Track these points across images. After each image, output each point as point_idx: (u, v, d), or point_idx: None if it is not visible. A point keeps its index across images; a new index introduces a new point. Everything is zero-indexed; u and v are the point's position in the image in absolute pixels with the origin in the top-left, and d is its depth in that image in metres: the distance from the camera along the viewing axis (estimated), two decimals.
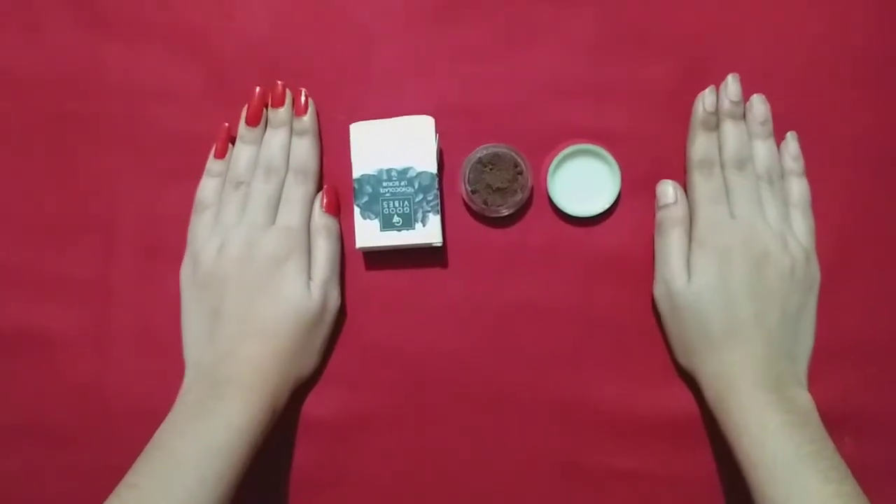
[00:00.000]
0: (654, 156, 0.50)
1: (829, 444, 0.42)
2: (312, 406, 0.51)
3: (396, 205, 0.47)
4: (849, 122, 0.50)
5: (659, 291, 0.48)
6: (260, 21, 0.51)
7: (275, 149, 0.49)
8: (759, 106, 0.49)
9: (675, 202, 0.48)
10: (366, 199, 0.47)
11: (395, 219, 0.47)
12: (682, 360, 0.49)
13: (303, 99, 0.49)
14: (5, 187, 0.52)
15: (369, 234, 0.47)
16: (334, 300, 0.49)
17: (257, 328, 0.46)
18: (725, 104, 0.48)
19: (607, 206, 0.50)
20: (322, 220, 0.49)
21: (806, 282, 0.47)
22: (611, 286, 0.50)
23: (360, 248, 0.48)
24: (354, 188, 0.47)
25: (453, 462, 0.51)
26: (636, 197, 0.50)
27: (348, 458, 0.51)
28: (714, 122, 0.48)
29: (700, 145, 0.48)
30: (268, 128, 0.50)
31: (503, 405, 0.51)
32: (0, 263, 0.52)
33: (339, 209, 0.50)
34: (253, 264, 0.47)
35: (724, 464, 0.50)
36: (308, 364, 0.49)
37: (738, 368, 0.44)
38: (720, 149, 0.48)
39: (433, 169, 0.47)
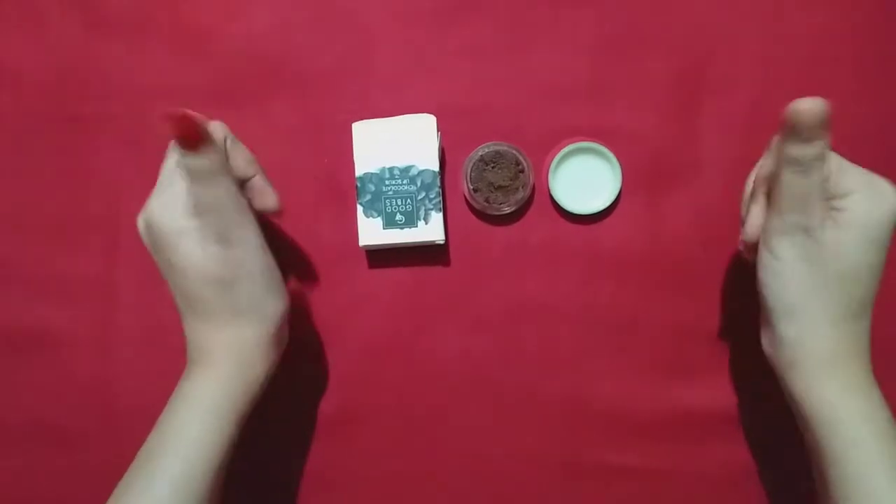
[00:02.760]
0: (655, 153, 0.51)
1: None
2: (314, 403, 0.51)
3: (399, 203, 0.47)
4: (849, 120, 0.50)
5: (790, 241, 0.40)
6: (263, 21, 0.52)
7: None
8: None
9: (822, 138, 0.38)
10: (368, 197, 0.48)
11: (398, 217, 0.47)
12: (784, 325, 0.41)
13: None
14: (9, 187, 0.52)
15: (372, 232, 0.48)
16: (247, 245, 0.41)
17: (186, 306, 0.43)
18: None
19: (608, 203, 0.50)
20: (184, 162, 0.39)
21: None
22: (612, 283, 0.51)
23: (364, 247, 0.48)
24: (357, 186, 0.48)
25: (455, 460, 0.51)
26: (637, 194, 0.51)
27: (350, 457, 0.51)
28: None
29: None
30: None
31: (505, 402, 0.51)
32: (5, 263, 0.52)
33: (196, 137, 0.38)
34: (155, 246, 0.42)
35: (727, 460, 0.50)
36: (263, 315, 0.43)
37: (862, 349, 0.40)
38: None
39: (435, 167, 0.47)
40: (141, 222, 0.42)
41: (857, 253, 0.39)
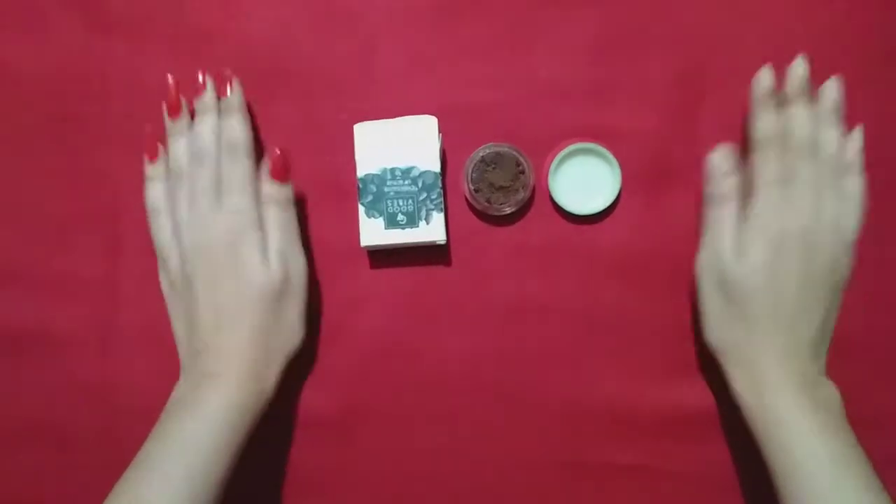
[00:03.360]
0: (655, 154, 0.51)
1: (860, 449, 0.42)
2: (315, 404, 0.51)
3: (400, 203, 0.48)
4: (849, 120, 0.51)
5: (705, 265, 0.46)
6: (263, 21, 0.52)
7: (204, 134, 0.47)
8: (832, 90, 0.46)
9: (731, 173, 0.46)
10: (370, 197, 0.48)
11: (400, 217, 0.48)
12: (713, 337, 0.46)
13: (226, 78, 0.48)
14: (10, 187, 0.52)
15: (374, 232, 0.48)
16: (298, 267, 0.48)
17: (227, 317, 0.46)
18: (795, 85, 0.46)
19: (608, 204, 0.50)
20: (270, 189, 0.47)
21: (843, 279, 0.46)
22: (612, 283, 0.51)
23: (365, 247, 0.48)
24: (359, 187, 0.48)
25: (457, 460, 0.51)
26: (637, 195, 0.51)
27: (350, 457, 0.51)
28: (777, 101, 0.46)
29: (764, 123, 0.46)
30: (196, 115, 0.48)
31: (506, 403, 0.51)
32: (5, 263, 0.52)
33: (288, 173, 0.48)
34: (208, 254, 0.46)
35: (728, 460, 0.50)
36: (291, 338, 0.48)
37: (771, 360, 0.44)
38: (789, 132, 0.46)
39: (436, 168, 0.48)
40: (218, 239, 0.46)
41: (756, 291, 0.44)
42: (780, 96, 0.47)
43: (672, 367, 0.51)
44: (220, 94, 0.48)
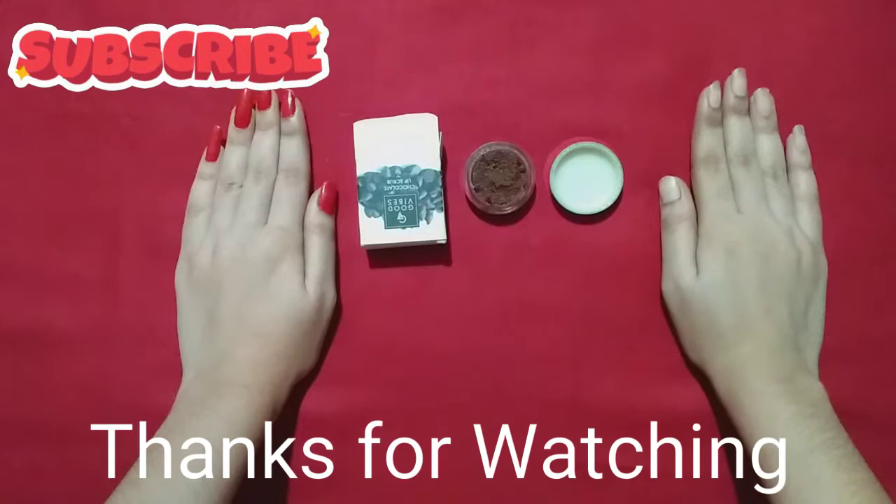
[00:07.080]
0: (656, 152, 0.51)
1: (842, 433, 0.42)
2: (314, 404, 0.51)
3: (400, 202, 0.47)
4: (850, 118, 0.51)
5: (667, 288, 0.48)
6: (263, 20, 0.52)
7: (264, 150, 0.49)
8: (763, 100, 0.49)
9: (679, 198, 0.48)
10: (370, 196, 0.47)
11: (400, 216, 0.47)
12: (692, 356, 0.49)
13: (290, 100, 0.49)
14: (9, 186, 0.52)
15: (373, 231, 0.48)
16: (331, 297, 0.49)
17: (254, 330, 0.46)
18: (731, 99, 0.48)
19: (610, 203, 0.50)
20: (317, 218, 0.49)
21: (813, 273, 0.48)
22: (614, 283, 0.51)
23: (365, 246, 0.48)
24: (358, 186, 0.48)
25: (456, 460, 0.51)
26: (638, 194, 0.51)
27: (349, 457, 0.51)
28: (719, 118, 0.49)
29: (705, 141, 0.48)
30: (256, 129, 0.50)
31: (505, 402, 0.51)
32: (4, 262, 0.52)
33: (336, 207, 0.50)
34: (247, 265, 0.47)
35: (729, 461, 0.50)
36: (307, 361, 0.49)
37: (747, 362, 0.45)
38: (725, 144, 0.49)
39: (437, 167, 0.47)
40: (261, 252, 0.47)
41: (717, 306, 0.46)
42: (720, 113, 0.49)
43: (672, 367, 0.50)
44: (284, 113, 0.50)
